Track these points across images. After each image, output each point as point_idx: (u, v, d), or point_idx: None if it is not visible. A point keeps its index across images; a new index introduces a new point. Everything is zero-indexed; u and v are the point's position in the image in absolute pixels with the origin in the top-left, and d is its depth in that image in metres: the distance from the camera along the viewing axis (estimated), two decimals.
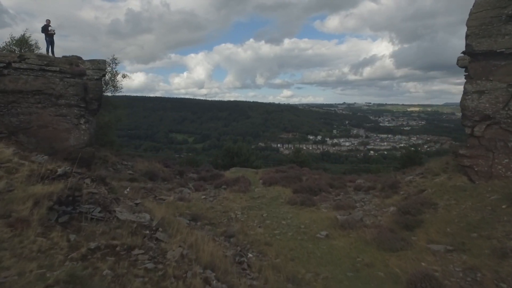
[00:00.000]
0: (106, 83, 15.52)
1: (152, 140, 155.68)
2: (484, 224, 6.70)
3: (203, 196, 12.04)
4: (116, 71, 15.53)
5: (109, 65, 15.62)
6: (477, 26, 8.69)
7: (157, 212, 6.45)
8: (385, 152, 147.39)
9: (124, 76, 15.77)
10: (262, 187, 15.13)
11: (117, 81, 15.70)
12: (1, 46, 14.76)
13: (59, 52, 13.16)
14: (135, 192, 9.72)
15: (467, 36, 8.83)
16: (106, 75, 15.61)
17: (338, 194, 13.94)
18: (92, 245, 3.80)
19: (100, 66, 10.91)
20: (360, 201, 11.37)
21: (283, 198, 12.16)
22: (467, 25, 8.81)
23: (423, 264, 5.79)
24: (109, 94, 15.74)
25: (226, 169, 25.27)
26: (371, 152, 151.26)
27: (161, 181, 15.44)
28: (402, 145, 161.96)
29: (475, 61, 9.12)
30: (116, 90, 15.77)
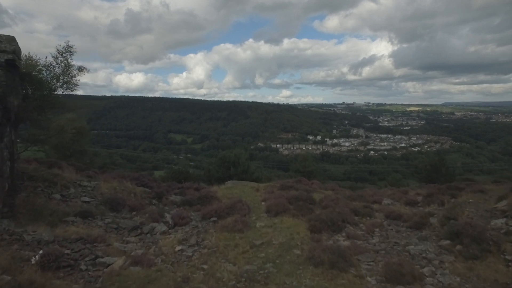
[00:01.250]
0: (57, 78, 11.38)
1: (151, 141, 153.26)
2: None
3: (179, 247, 7.91)
4: (69, 62, 11.36)
5: (62, 55, 11.47)
6: None
7: None
8: (385, 152, 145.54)
9: (81, 70, 11.61)
10: (266, 218, 11.08)
11: (72, 76, 11.53)
12: None
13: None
14: (54, 258, 5.60)
15: None
16: (57, 68, 11.48)
17: (371, 231, 9.92)
18: None
19: (2, 46, 6.60)
20: (420, 257, 7.29)
21: (299, 247, 8.07)
22: None
23: None
24: (60, 92, 11.56)
25: (220, 182, 21.42)
26: (371, 152, 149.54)
27: (128, 211, 11.32)
28: (402, 145, 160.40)
29: None
30: (70, 88, 11.62)
